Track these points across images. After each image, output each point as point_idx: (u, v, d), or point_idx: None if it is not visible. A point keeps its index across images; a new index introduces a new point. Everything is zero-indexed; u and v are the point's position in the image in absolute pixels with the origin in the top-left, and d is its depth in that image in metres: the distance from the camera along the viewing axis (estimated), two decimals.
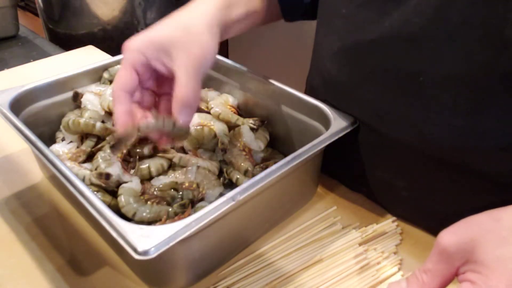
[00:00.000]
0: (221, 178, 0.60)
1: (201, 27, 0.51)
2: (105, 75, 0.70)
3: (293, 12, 0.67)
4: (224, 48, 2.27)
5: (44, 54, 1.12)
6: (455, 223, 0.37)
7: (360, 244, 0.56)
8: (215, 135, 0.63)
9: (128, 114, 0.48)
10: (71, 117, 0.63)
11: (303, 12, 0.68)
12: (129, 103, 0.48)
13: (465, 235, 0.36)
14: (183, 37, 0.49)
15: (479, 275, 0.34)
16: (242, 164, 0.59)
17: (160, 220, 0.52)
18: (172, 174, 0.59)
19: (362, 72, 0.54)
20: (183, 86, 0.47)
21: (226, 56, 0.71)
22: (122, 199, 0.53)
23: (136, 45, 0.49)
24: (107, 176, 0.55)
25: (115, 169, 0.56)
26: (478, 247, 0.35)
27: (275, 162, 0.51)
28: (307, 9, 0.67)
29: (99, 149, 0.60)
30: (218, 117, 0.65)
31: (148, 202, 0.54)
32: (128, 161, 0.59)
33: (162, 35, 0.49)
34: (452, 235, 0.36)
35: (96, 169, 0.56)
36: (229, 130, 0.65)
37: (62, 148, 0.62)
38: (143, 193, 0.56)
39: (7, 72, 0.96)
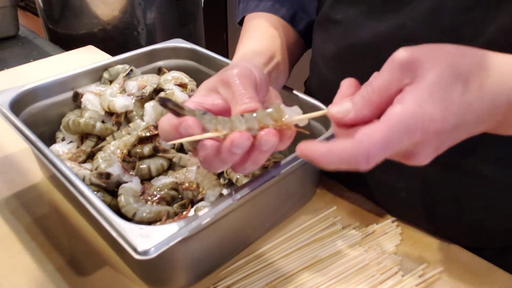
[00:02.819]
0: (221, 178, 0.60)
1: None
2: (105, 75, 0.70)
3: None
4: (224, 48, 2.27)
5: (44, 54, 1.12)
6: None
7: (360, 244, 0.56)
8: None
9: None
10: (71, 117, 0.63)
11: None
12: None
13: (420, 53, 0.33)
14: None
15: (409, 86, 0.32)
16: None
17: (160, 220, 0.52)
18: (172, 174, 0.59)
19: (358, 76, 0.54)
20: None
21: (226, 57, 0.71)
22: (122, 199, 0.53)
23: None
24: (107, 176, 0.55)
25: (115, 169, 0.56)
26: (425, 65, 0.32)
27: (275, 162, 0.51)
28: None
29: (99, 149, 0.60)
30: None
31: (148, 202, 0.54)
32: (128, 161, 0.60)
33: None
34: (407, 50, 0.33)
35: (96, 169, 0.56)
36: None
37: (62, 148, 0.62)
38: (143, 193, 0.56)
39: (7, 72, 0.96)
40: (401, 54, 0.33)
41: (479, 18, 0.43)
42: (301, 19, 0.65)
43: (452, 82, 0.32)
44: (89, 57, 1.02)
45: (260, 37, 0.61)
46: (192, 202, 0.56)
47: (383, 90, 0.33)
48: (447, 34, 0.45)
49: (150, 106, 0.65)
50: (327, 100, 0.60)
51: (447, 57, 0.33)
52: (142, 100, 0.67)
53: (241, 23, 0.69)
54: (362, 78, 0.54)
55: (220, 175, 0.61)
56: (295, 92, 0.63)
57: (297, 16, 0.65)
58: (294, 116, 0.38)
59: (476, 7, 0.43)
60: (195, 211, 0.54)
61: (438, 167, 0.52)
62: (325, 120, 0.59)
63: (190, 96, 0.69)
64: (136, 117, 0.65)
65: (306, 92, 0.70)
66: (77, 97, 0.67)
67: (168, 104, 0.39)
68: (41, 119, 0.64)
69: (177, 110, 0.39)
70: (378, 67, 0.51)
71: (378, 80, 0.34)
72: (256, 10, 0.65)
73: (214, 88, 0.43)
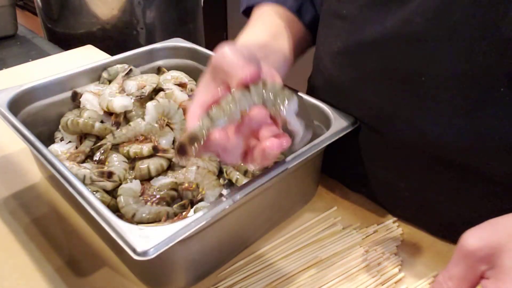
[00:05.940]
0: (221, 178, 0.60)
1: None
2: (104, 74, 0.70)
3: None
4: None
5: (43, 54, 1.12)
6: (479, 225, 0.35)
7: (360, 245, 0.56)
8: None
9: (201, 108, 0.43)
10: (70, 117, 0.63)
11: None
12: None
13: (492, 239, 0.34)
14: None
15: (493, 280, 0.33)
16: (242, 164, 0.59)
17: (160, 220, 0.52)
18: (172, 174, 0.59)
19: (363, 73, 0.54)
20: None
21: None
22: (121, 200, 0.53)
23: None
24: (109, 174, 0.55)
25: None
26: (503, 252, 0.33)
27: (275, 162, 0.51)
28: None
29: (98, 149, 0.60)
30: None
31: (148, 203, 0.54)
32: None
33: None
34: (478, 239, 0.34)
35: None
36: None
37: (61, 148, 0.61)
38: (142, 193, 0.55)
39: (5, 71, 0.96)
40: (472, 246, 0.34)
41: (490, 13, 0.41)
42: (307, 11, 0.64)
43: None
44: (88, 56, 1.02)
45: (263, 27, 0.60)
46: (192, 203, 0.56)
47: (460, 280, 0.35)
48: (457, 31, 0.43)
49: (152, 105, 0.64)
50: (331, 97, 0.60)
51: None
52: (141, 100, 0.67)
53: (245, 13, 0.68)
54: (368, 75, 0.54)
55: (220, 175, 0.61)
56: (295, 91, 0.63)
57: (304, 7, 0.64)
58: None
59: (488, 0, 0.41)
60: (194, 211, 0.53)
61: (441, 167, 0.52)
62: (325, 120, 0.59)
63: (189, 96, 0.69)
64: (135, 117, 0.65)
65: (309, 90, 0.70)
66: (76, 97, 0.67)
67: (187, 151, 0.40)
68: (40, 119, 0.64)
69: (194, 143, 0.40)
70: (384, 64, 0.51)
71: (453, 268, 0.35)
72: (263, 0, 0.65)
73: (210, 80, 0.43)
